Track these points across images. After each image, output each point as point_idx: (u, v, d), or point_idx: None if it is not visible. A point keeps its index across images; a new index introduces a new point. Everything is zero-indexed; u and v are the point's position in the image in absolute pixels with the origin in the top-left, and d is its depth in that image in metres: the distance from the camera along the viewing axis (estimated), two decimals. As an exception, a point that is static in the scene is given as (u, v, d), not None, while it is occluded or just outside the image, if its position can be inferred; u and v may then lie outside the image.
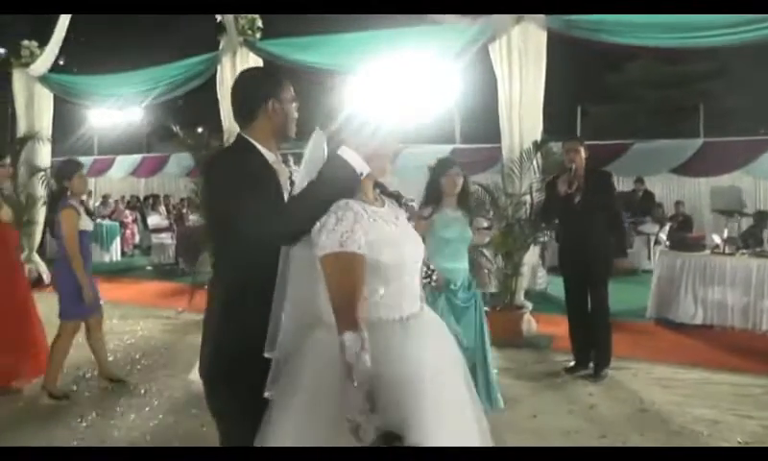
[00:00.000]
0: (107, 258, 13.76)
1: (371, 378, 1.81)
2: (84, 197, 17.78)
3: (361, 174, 2.03)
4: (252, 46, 8.16)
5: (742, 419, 4.53)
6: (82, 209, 5.06)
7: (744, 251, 7.56)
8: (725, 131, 14.87)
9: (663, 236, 9.03)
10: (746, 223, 9.58)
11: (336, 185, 2.01)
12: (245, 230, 2.13)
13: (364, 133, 2.05)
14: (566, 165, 5.29)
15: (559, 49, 7.01)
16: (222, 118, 8.39)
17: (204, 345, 2.37)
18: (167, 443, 4.16)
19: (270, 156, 2.37)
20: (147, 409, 4.81)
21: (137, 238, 15.94)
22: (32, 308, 5.45)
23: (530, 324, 6.79)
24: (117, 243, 14.22)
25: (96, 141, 22.19)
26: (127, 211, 16.22)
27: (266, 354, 2.07)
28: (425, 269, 4.58)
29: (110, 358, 5.88)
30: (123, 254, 14.85)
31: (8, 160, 6.42)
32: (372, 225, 2.00)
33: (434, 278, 4.21)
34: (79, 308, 4.94)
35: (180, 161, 16.57)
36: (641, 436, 4.23)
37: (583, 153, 5.30)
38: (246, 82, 2.46)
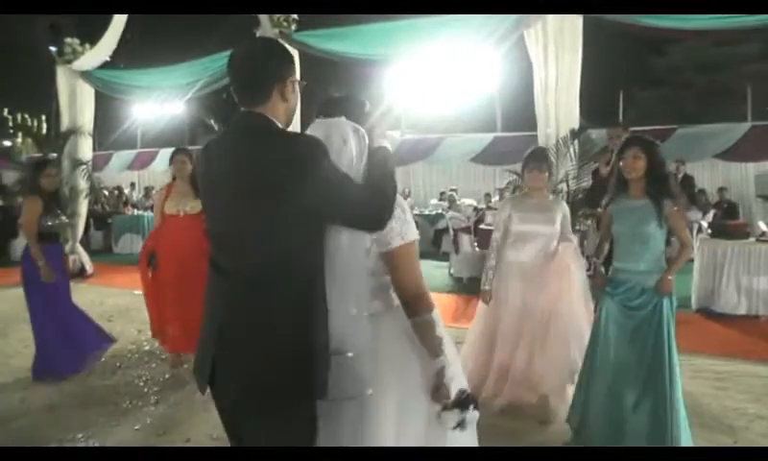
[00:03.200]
0: (150, 249, 14.00)
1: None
2: (127, 190, 18.32)
3: None
4: (287, 38, 8.19)
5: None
6: None
7: (792, 239, 7.33)
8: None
9: (705, 224, 8.80)
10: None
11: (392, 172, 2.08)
12: (347, 217, 2.00)
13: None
14: (609, 149, 5.22)
15: (600, 34, 6.86)
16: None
17: (243, 358, 1.97)
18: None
19: None
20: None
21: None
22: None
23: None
24: (160, 235, 14.54)
25: (139, 135, 22.68)
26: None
27: (349, 354, 1.97)
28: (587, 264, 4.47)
29: (134, 349, 6.13)
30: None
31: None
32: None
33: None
34: None
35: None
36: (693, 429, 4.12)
37: (625, 137, 5.19)
38: (264, 53, 2.11)
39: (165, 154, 21.45)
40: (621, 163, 3.68)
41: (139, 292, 8.84)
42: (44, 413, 4.61)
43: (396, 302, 2.13)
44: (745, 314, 7.05)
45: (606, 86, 6.83)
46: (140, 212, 15.00)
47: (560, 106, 6.56)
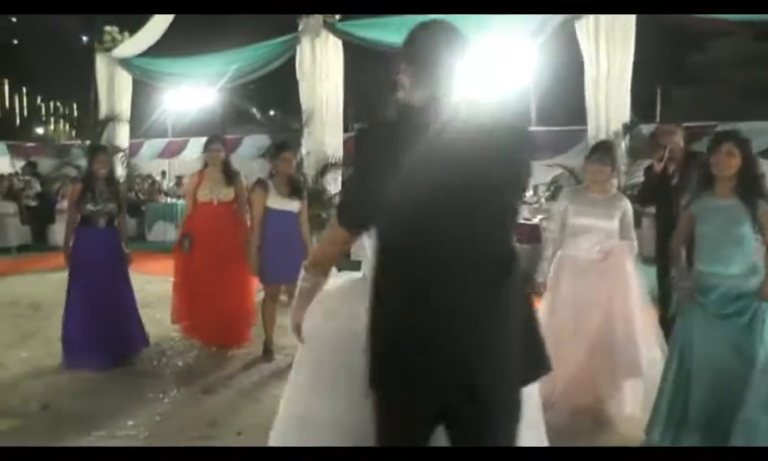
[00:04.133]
0: (181, 237, 14.07)
1: None
2: (158, 177, 18.44)
3: None
4: (331, 27, 8.14)
5: None
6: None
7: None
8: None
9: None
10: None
11: None
12: None
13: None
14: (661, 145, 5.08)
15: (638, 28, 6.72)
16: (300, 99, 8.46)
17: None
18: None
19: None
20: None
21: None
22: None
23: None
24: (192, 222, 14.62)
25: (170, 123, 22.83)
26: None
27: None
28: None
29: (177, 337, 6.10)
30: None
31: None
32: None
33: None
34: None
35: (253, 143, 16.82)
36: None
37: (679, 135, 5.08)
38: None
39: (196, 142, 21.55)
40: (711, 160, 3.48)
41: (175, 280, 8.95)
42: (92, 398, 4.62)
43: None
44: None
45: (642, 83, 6.71)
46: (173, 200, 15.06)
47: (610, 100, 6.47)
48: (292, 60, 8.89)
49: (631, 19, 6.45)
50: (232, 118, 24.39)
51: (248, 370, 5.26)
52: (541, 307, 4.37)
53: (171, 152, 22.00)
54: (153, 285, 8.48)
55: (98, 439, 3.91)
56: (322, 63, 8.39)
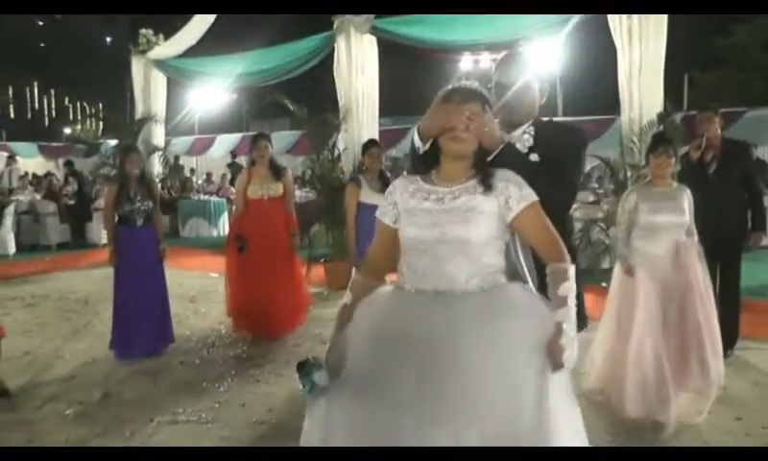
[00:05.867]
0: (214, 233, 14.35)
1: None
2: (187, 175, 18.69)
3: (418, 148, 2.19)
4: (366, 23, 8.26)
5: None
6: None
7: None
8: None
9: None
10: None
11: (411, 158, 2.30)
12: None
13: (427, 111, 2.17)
14: (699, 133, 5.12)
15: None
16: (338, 96, 8.63)
17: None
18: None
19: None
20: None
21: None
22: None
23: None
24: (225, 218, 14.83)
25: (197, 121, 23.12)
26: (233, 188, 16.80)
27: None
28: None
29: (222, 329, 6.29)
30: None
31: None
32: (407, 199, 2.14)
33: None
34: None
35: (279, 140, 17.03)
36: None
37: (717, 122, 5.11)
38: None
39: (222, 139, 21.86)
40: None
41: (215, 274, 9.17)
42: (149, 386, 4.83)
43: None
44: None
45: (671, 71, 6.71)
46: (206, 197, 15.34)
47: (644, 90, 6.51)
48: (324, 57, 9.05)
49: (664, 5, 6.49)
50: (256, 115, 24.67)
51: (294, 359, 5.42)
52: (619, 301, 4.29)
53: (198, 149, 22.33)
54: (191, 280, 8.73)
55: (161, 425, 4.09)
56: (357, 60, 8.51)
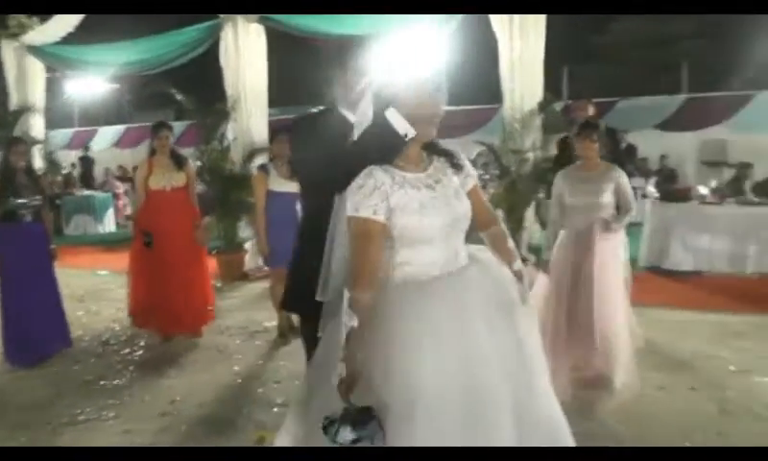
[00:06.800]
0: (100, 229, 13.78)
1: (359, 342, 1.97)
2: (67, 170, 17.77)
3: (405, 135, 2.08)
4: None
5: (734, 351, 4.95)
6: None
7: (730, 200, 8.01)
8: (706, 87, 15.29)
9: (652, 189, 9.42)
10: (728, 174, 9.98)
11: (379, 145, 2.12)
12: (310, 178, 2.64)
13: (404, 95, 2.08)
14: (575, 120, 5.53)
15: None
16: (226, 86, 8.51)
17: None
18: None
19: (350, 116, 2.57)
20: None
21: (129, 210, 15.93)
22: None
23: (531, 275, 7.06)
24: (111, 214, 14.23)
25: (77, 112, 21.99)
26: (118, 182, 16.16)
27: (318, 298, 2.25)
28: None
29: (117, 327, 6.15)
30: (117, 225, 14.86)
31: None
32: (396, 191, 2.09)
33: None
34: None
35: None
36: (655, 372, 4.49)
37: (591, 110, 5.57)
38: None
39: (105, 132, 20.88)
40: None
41: (104, 272, 8.85)
42: (44, 391, 4.66)
43: None
44: (690, 270, 7.66)
45: (551, 61, 7.20)
46: (90, 192, 14.68)
47: (525, 81, 6.90)
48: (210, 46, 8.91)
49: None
50: (139, 106, 23.70)
51: (192, 351, 5.42)
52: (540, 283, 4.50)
53: (78, 142, 21.22)
54: (79, 279, 8.37)
55: (61, 427, 4.00)
56: (245, 50, 8.44)
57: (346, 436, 1.84)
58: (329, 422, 1.89)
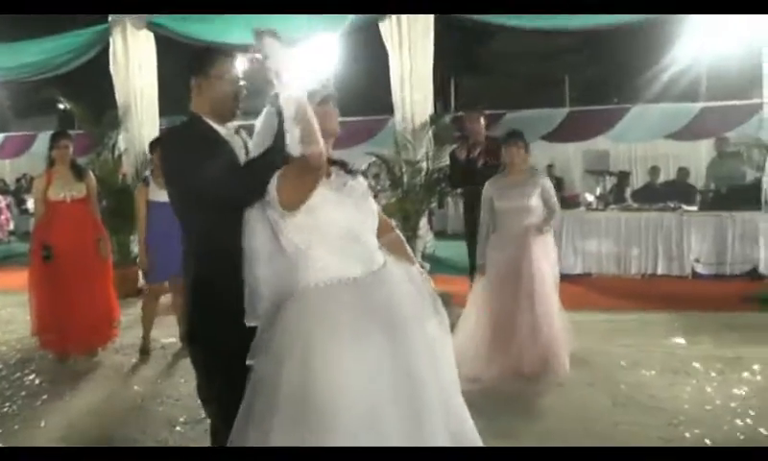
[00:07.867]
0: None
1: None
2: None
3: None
4: (141, 19, 7.94)
5: (624, 347, 5.29)
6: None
7: (613, 206, 8.60)
8: (588, 100, 16.26)
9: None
10: (610, 182, 10.61)
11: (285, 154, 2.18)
12: (205, 196, 2.34)
13: (298, 111, 2.10)
14: (467, 134, 5.74)
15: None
16: (116, 93, 8.21)
17: (185, 312, 2.64)
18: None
19: (220, 128, 2.52)
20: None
21: (12, 224, 14.93)
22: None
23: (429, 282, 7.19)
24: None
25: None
26: (-1, 197, 15.12)
27: (247, 323, 2.22)
28: None
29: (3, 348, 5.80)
30: (-1, 241, 13.90)
31: None
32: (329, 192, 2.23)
33: None
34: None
35: (48, 140, 15.63)
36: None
37: (482, 122, 5.78)
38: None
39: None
40: None
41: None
42: None
43: None
44: (580, 273, 8.14)
45: (438, 73, 7.44)
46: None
47: (415, 92, 7.06)
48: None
49: (430, 18, 7.06)
50: (19, 113, 22.39)
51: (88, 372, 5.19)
52: (481, 289, 4.76)
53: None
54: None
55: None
56: (134, 57, 8.16)
57: None
58: None
